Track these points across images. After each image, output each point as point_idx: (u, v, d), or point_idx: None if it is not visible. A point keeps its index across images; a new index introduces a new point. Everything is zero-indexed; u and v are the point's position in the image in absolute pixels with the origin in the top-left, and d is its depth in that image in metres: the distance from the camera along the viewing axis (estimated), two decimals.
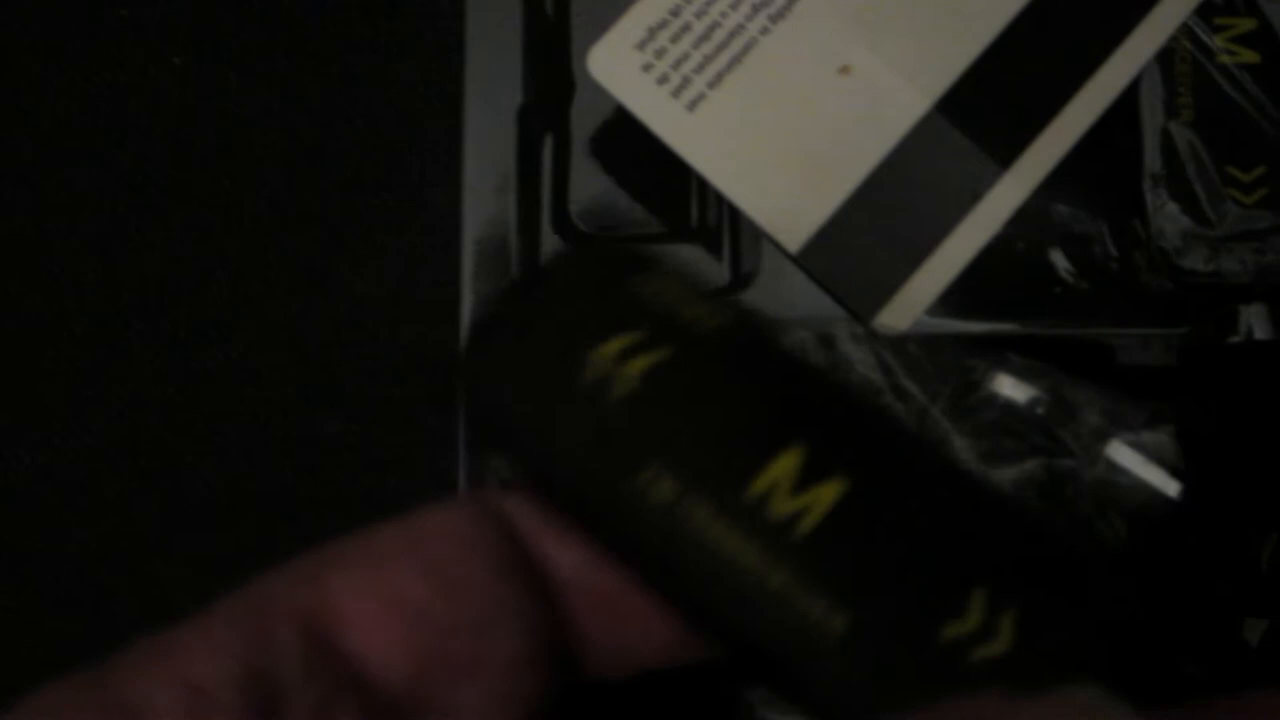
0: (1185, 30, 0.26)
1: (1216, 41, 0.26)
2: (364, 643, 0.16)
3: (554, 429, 0.16)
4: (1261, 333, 0.26)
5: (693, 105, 0.25)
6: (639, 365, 0.16)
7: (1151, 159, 0.26)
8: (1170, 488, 0.26)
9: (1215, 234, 0.26)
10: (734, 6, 0.26)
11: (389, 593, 0.17)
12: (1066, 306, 0.26)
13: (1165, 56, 0.26)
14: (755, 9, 0.26)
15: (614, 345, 0.16)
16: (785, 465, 0.16)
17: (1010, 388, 0.26)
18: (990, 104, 0.26)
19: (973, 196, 0.26)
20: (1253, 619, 0.27)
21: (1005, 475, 0.25)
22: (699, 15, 0.26)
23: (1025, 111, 0.26)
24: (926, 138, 0.26)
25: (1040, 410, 0.26)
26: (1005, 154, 0.26)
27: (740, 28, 0.26)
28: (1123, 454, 0.26)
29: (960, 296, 0.26)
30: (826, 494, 0.16)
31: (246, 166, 0.28)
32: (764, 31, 0.25)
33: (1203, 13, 0.26)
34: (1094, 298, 0.26)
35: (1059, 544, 0.16)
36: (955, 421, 0.25)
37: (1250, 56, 0.26)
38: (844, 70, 0.25)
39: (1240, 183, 0.26)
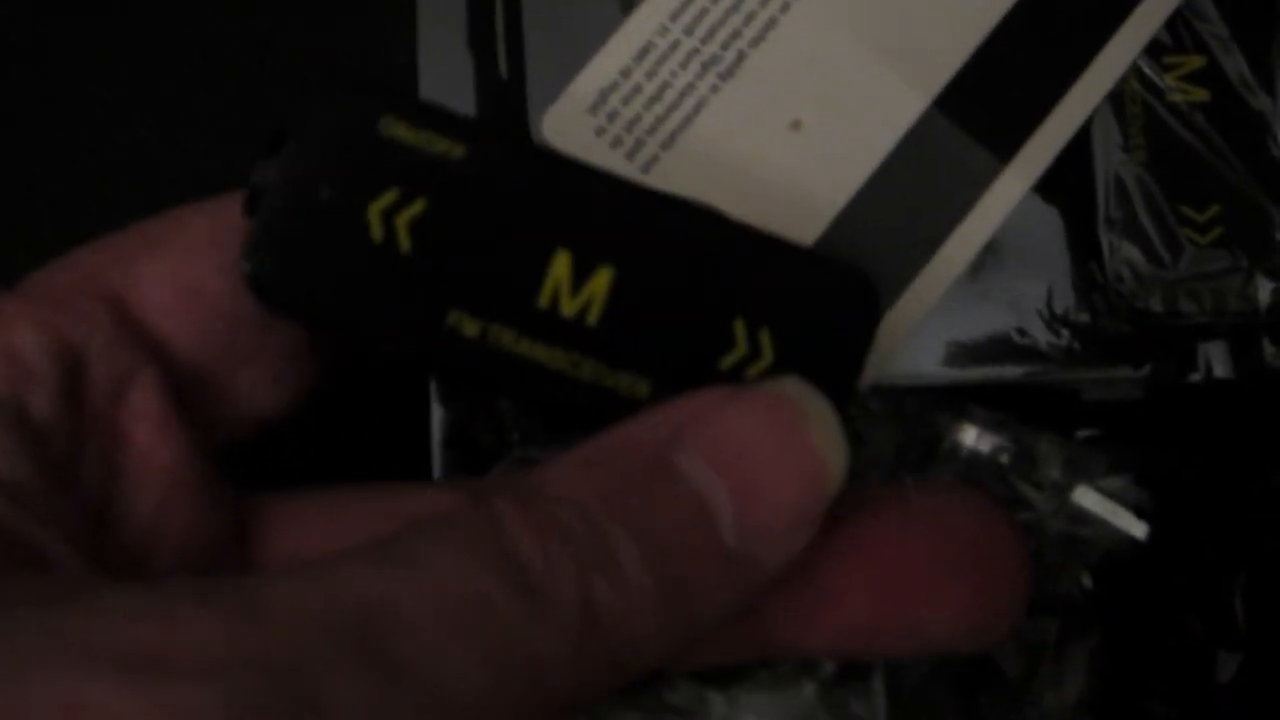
0: (1135, 71, 0.26)
1: (1167, 80, 0.26)
2: (163, 325, 0.18)
3: (360, 296, 0.18)
4: (1221, 370, 0.26)
5: (647, 167, 0.25)
6: (404, 219, 0.18)
7: (1106, 201, 0.26)
8: (1137, 529, 0.26)
9: (1172, 275, 0.26)
10: (684, 66, 0.26)
11: (190, 283, 0.18)
12: (1029, 352, 0.26)
13: (1116, 98, 0.26)
14: (705, 67, 0.26)
15: (381, 202, 0.18)
16: (558, 272, 0.18)
17: (974, 439, 0.26)
18: (988, 100, 0.26)
19: (973, 194, 0.26)
20: (1226, 654, 0.27)
21: None
22: (649, 76, 0.25)
23: (1023, 105, 0.26)
24: (923, 140, 0.26)
25: (1004, 460, 0.26)
26: (1005, 148, 0.26)
27: (691, 87, 0.25)
28: (1088, 499, 0.26)
29: (925, 346, 0.26)
30: (600, 284, 0.18)
31: None
32: (714, 90, 0.25)
33: (1152, 52, 0.26)
34: (1057, 343, 0.26)
35: (804, 267, 0.19)
36: (923, 474, 0.26)
37: (1200, 95, 0.26)
38: (795, 125, 0.25)
39: (1195, 222, 0.26)
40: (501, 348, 0.18)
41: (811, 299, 0.19)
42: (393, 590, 0.14)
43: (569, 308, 0.18)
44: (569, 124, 0.25)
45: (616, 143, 0.25)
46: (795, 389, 0.18)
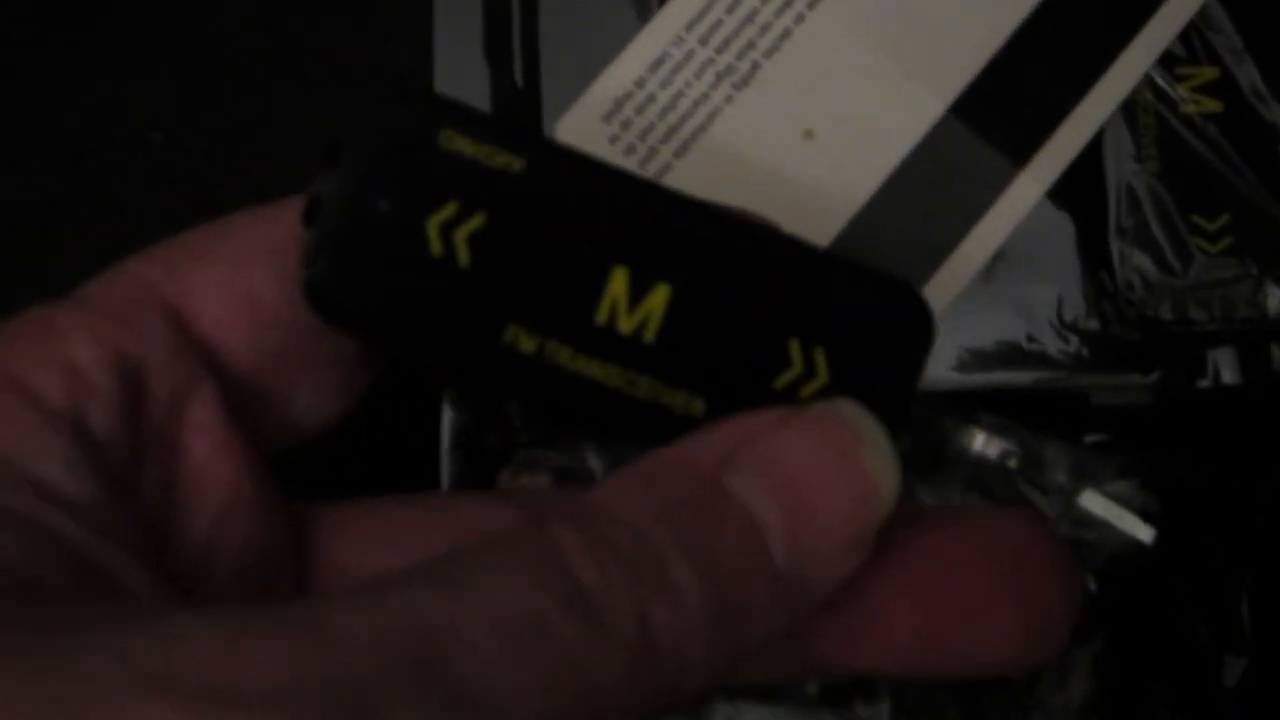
0: (1148, 81, 0.26)
1: (1179, 91, 0.26)
2: (218, 336, 0.18)
3: (417, 309, 0.18)
4: (1230, 377, 0.26)
5: (660, 175, 0.26)
6: (463, 234, 0.18)
7: (1117, 210, 0.26)
8: (1143, 533, 0.26)
9: (1182, 283, 0.26)
10: (698, 76, 0.26)
11: (243, 292, 0.18)
12: (1040, 359, 0.26)
13: (1129, 109, 0.26)
14: (719, 77, 0.26)
15: (441, 215, 0.18)
16: (616, 289, 0.18)
17: (982, 444, 0.26)
18: (1004, 105, 0.26)
19: (987, 199, 0.26)
20: (1231, 658, 0.27)
21: None
22: (664, 85, 0.26)
23: (1038, 112, 0.26)
24: (935, 148, 0.26)
25: (1012, 464, 0.26)
26: (1020, 153, 0.26)
27: (705, 96, 0.26)
28: (1095, 503, 0.26)
29: (936, 351, 0.26)
30: (657, 301, 0.18)
31: None
32: (728, 100, 0.26)
33: (1165, 63, 0.26)
34: (1067, 349, 0.26)
35: (861, 287, 0.19)
36: (932, 479, 0.26)
37: (1213, 105, 0.26)
38: (808, 135, 0.26)
39: (1205, 231, 0.26)
40: (558, 364, 0.18)
41: (867, 319, 0.19)
42: (452, 613, 0.14)
43: (626, 325, 0.18)
44: (583, 132, 0.26)
45: (630, 150, 0.26)
46: (849, 411, 0.17)
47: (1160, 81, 0.26)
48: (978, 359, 0.26)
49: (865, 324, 0.19)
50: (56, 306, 0.18)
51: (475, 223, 0.18)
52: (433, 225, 0.17)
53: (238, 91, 0.29)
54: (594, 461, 0.26)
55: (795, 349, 0.18)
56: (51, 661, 0.13)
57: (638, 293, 0.18)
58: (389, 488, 0.21)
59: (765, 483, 0.16)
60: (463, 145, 0.18)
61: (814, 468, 0.17)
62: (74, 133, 0.29)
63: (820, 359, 0.19)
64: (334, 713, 0.13)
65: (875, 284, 0.19)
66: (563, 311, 0.18)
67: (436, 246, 0.17)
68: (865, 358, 0.19)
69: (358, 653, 0.14)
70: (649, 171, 0.26)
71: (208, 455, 0.18)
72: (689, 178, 0.26)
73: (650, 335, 0.18)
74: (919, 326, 0.19)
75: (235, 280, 0.18)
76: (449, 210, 0.18)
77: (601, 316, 0.18)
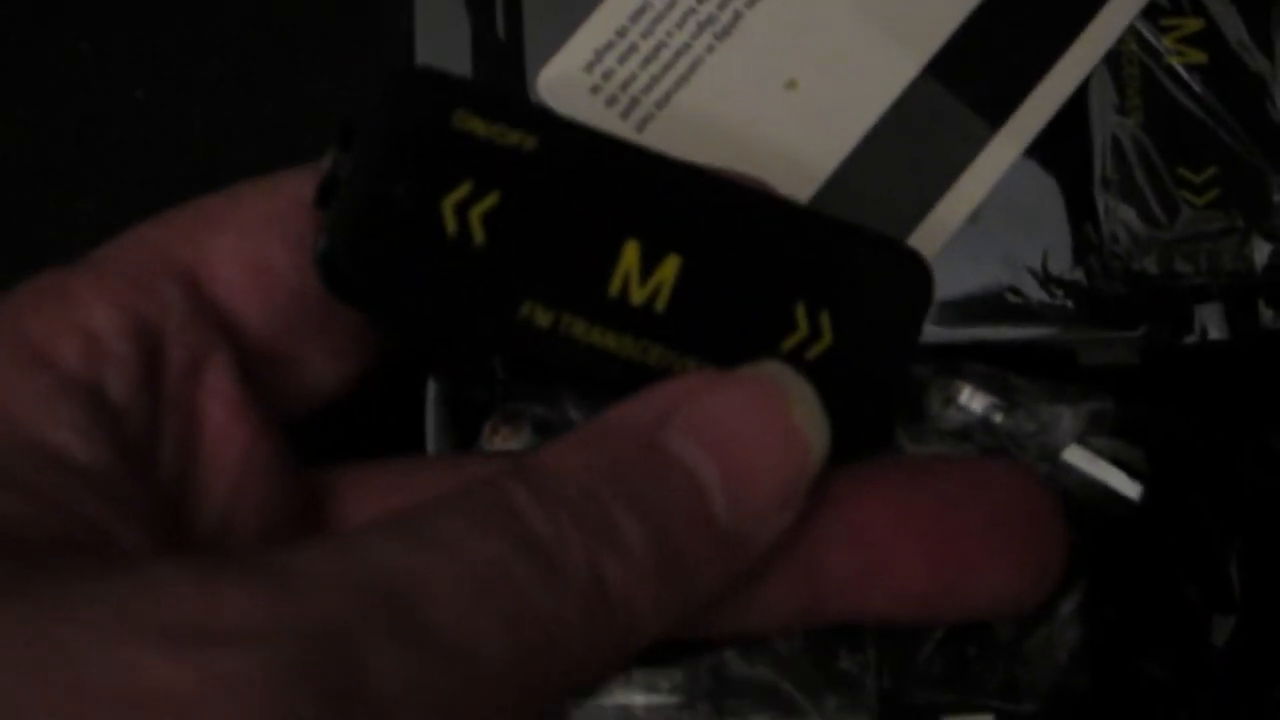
0: (1132, 32, 0.26)
1: (1164, 43, 0.26)
2: (233, 301, 0.18)
3: (434, 289, 0.18)
4: (1216, 333, 0.26)
5: (641, 126, 0.25)
6: (478, 213, 0.18)
7: (1102, 163, 0.26)
8: (1131, 490, 0.26)
9: (1168, 236, 0.26)
10: (680, 25, 0.26)
11: (257, 259, 0.18)
12: (1024, 313, 0.26)
13: (1113, 59, 0.26)
14: (700, 27, 0.26)
15: (456, 195, 0.18)
16: (628, 261, 0.18)
17: (968, 396, 0.26)
18: (981, 63, 0.26)
19: (966, 156, 0.26)
20: (1220, 618, 0.27)
21: None
22: (645, 35, 0.26)
23: (1017, 68, 0.26)
24: (916, 101, 0.26)
25: (999, 418, 0.26)
26: (995, 114, 0.26)
27: (686, 46, 0.26)
28: (1081, 458, 0.26)
29: None
30: (668, 271, 0.18)
31: None
32: (710, 50, 0.26)
33: (1149, 14, 0.26)
34: (1051, 304, 0.26)
35: (862, 250, 0.19)
36: (914, 430, 0.26)
37: (1198, 57, 0.26)
38: (790, 85, 0.26)
39: (1191, 184, 0.26)
40: (573, 336, 0.18)
41: (869, 280, 0.19)
42: (418, 559, 0.15)
43: (638, 296, 0.18)
44: (564, 82, 0.26)
45: (612, 101, 0.25)
46: (776, 370, 0.18)
47: (1145, 32, 0.26)
48: (962, 313, 0.26)
49: (867, 285, 0.19)
50: (71, 271, 0.18)
51: (489, 201, 0.18)
52: (448, 205, 0.18)
53: (219, 47, 0.28)
54: (574, 414, 0.25)
55: (800, 312, 0.19)
56: (34, 606, 0.13)
57: (649, 264, 0.18)
58: (374, 442, 0.21)
59: (702, 442, 0.17)
60: (476, 125, 0.18)
61: (746, 426, 0.17)
62: (56, 91, 0.29)
63: (825, 321, 0.19)
64: (310, 651, 0.13)
65: (876, 246, 0.20)
66: (577, 285, 0.18)
67: (452, 226, 0.18)
68: (868, 318, 0.19)
69: (330, 594, 0.14)
70: (630, 123, 0.25)
71: (224, 420, 0.18)
72: (671, 128, 0.25)
73: (661, 305, 0.18)
74: (919, 286, 0.20)
75: (248, 247, 0.18)
76: (463, 190, 0.18)
77: (615, 288, 0.18)
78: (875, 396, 0.19)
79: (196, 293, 0.18)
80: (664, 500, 0.16)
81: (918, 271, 0.20)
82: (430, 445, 0.26)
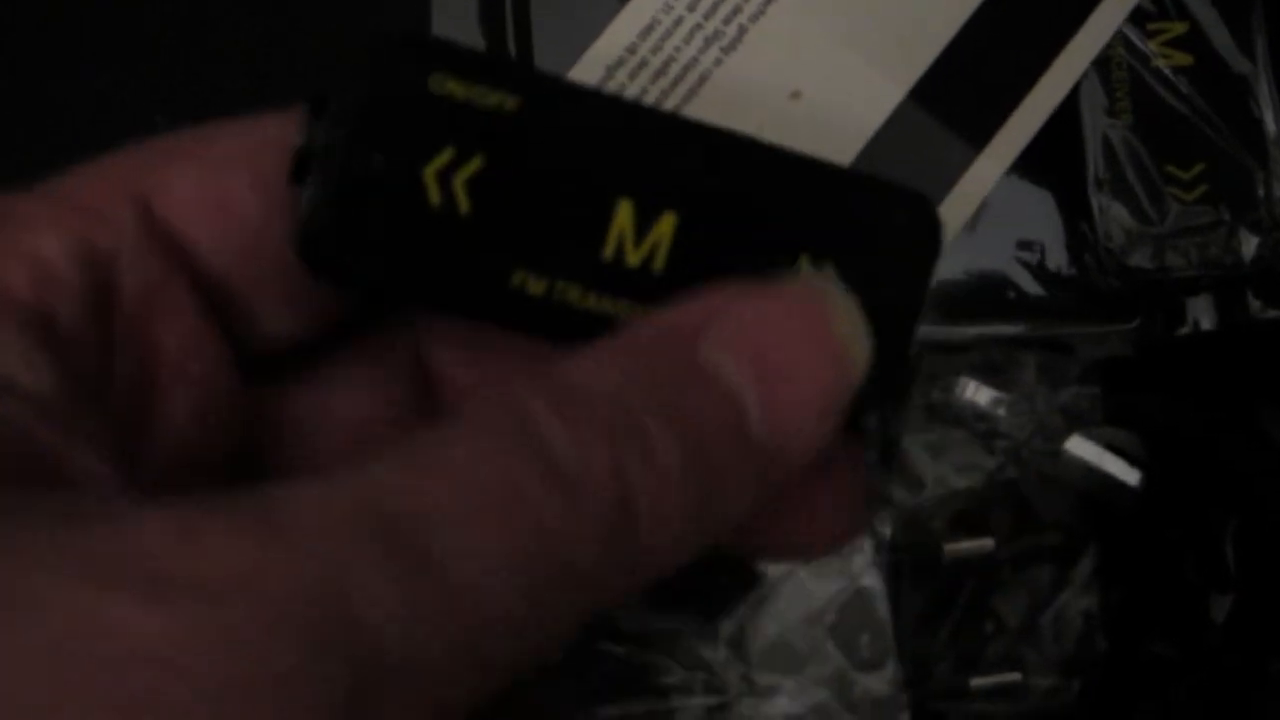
0: (1120, 38, 0.27)
1: (1150, 46, 0.27)
2: (190, 233, 0.17)
3: (420, 262, 0.17)
4: (1208, 323, 0.27)
5: None
6: (462, 179, 0.17)
7: (1094, 163, 0.27)
8: (1131, 477, 0.27)
9: (1159, 231, 0.27)
10: (687, 40, 0.27)
11: (219, 195, 0.18)
12: (1023, 309, 0.27)
13: (1102, 64, 0.27)
14: (708, 42, 0.27)
15: (437, 162, 0.17)
16: (622, 222, 0.17)
17: (973, 391, 0.27)
18: (961, 89, 0.27)
19: (949, 179, 0.27)
20: (1219, 596, 0.28)
21: (972, 480, 0.26)
22: (654, 51, 0.27)
23: (996, 93, 0.27)
24: (900, 127, 0.27)
25: (1003, 411, 0.27)
26: (979, 136, 0.27)
27: (695, 60, 0.27)
28: (1083, 448, 0.27)
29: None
30: (664, 230, 0.18)
31: None
32: (717, 63, 0.27)
33: (1136, 19, 0.27)
34: (1049, 299, 0.27)
35: (867, 198, 0.18)
36: (922, 431, 0.27)
37: (1183, 59, 0.27)
38: (794, 96, 0.27)
39: (1180, 180, 0.27)
40: (568, 303, 0.17)
41: (875, 230, 0.18)
42: (421, 486, 0.14)
43: (634, 257, 0.18)
44: None
45: None
46: (818, 281, 0.17)
47: (1132, 37, 0.27)
48: (962, 310, 0.27)
49: (873, 235, 0.18)
50: (22, 198, 0.17)
51: (473, 167, 0.17)
52: (429, 174, 0.17)
53: (236, 71, 0.29)
54: None
55: (805, 264, 0.18)
56: (3, 554, 0.13)
57: (644, 224, 0.18)
58: None
59: (739, 352, 0.16)
60: (454, 88, 0.17)
61: (785, 335, 0.16)
62: (77, 118, 0.30)
63: (830, 272, 0.18)
64: (297, 600, 0.13)
65: (881, 193, 0.19)
66: (569, 250, 0.17)
67: (435, 195, 0.17)
68: (875, 268, 0.18)
69: (320, 535, 0.13)
70: None
71: (180, 353, 0.17)
72: None
73: (659, 265, 0.18)
74: (927, 234, 0.19)
75: (211, 181, 0.18)
76: (445, 156, 0.17)
77: (609, 251, 0.17)
78: (884, 349, 0.18)
79: (152, 222, 0.17)
80: (699, 412, 0.16)
81: (925, 218, 0.19)
82: None
